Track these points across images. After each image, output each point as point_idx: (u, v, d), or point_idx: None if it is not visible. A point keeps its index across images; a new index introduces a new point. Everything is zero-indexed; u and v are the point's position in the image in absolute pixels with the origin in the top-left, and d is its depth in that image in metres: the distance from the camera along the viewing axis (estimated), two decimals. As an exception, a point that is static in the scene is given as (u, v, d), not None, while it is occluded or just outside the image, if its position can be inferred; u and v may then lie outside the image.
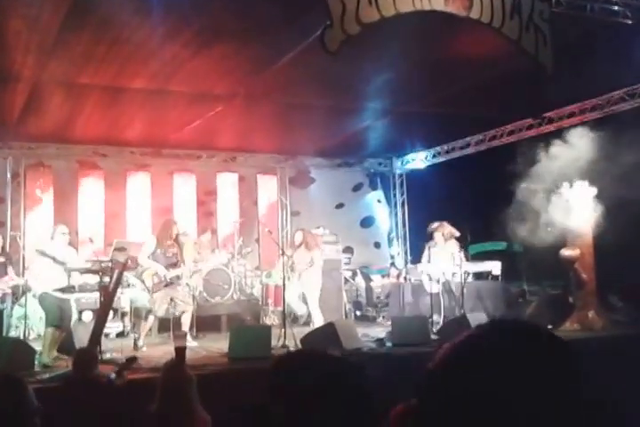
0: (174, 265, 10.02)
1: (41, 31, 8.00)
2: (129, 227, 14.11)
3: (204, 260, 11.75)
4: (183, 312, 10.03)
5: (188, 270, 10.50)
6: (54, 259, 8.87)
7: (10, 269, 10.61)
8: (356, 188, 16.67)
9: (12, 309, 10.48)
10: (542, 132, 12.67)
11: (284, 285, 10.08)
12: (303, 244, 11.00)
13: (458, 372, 1.17)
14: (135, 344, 9.67)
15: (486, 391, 1.12)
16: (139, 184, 14.41)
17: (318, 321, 10.44)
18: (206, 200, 15.05)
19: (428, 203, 13.96)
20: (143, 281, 10.31)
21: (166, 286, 9.91)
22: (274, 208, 15.85)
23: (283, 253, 10.38)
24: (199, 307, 11.37)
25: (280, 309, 10.87)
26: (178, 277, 10.00)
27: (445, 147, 15.33)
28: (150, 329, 11.27)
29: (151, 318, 9.99)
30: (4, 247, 10.87)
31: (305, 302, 10.92)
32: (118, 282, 9.06)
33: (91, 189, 13.95)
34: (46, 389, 6.49)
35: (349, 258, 14.72)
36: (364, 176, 16.83)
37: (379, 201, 16.90)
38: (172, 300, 9.92)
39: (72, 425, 5.57)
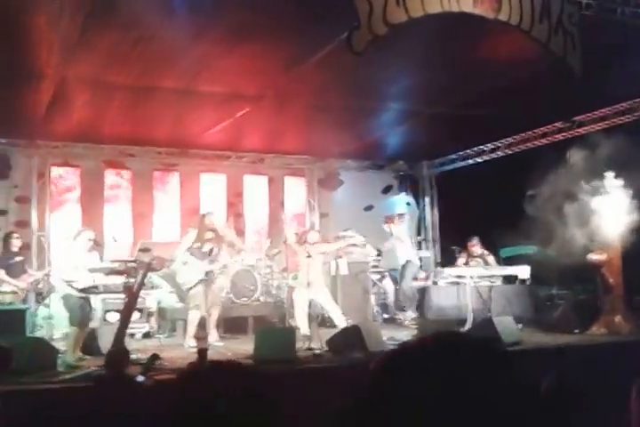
0: (210, 261, 10.01)
1: (64, 28, 7.96)
2: (156, 227, 14.09)
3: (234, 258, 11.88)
4: (217, 305, 10.09)
5: (224, 266, 10.51)
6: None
7: (27, 268, 10.93)
8: (386, 190, 16.62)
9: (36, 309, 10.63)
10: (573, 135, 12.55)
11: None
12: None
13: (388, 374, 1.20)
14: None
15: (409, 396, 1.14)
16: (166, 184, 14.40)
17: (340, 321, 10.26)
18: (235, 202, 15.02)
19: (458, 206, 13.87)
20: (176, 279, 10.38)
21: (200, 282, 9.83)
22: (302, 210, 15.83)
23: (309, 256, 10.17)
24: (225, 308, 11.30)
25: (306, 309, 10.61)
26: (213, 274, 10.01)
27: (476, 149, 15.27)
28: (175, 329, 11.54)
29: (194, 313, 9.80)
30: (22, 247, 11.17)
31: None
32: (142, 282, 8.96)
33: (117, 189, 13.85)
34: (78, 389, 6.56)
35: (377, 261, 14.45)
36: (393, 178, 16.76)
37: (408, 204, 16.65)
38: (205, 295, 9.82)
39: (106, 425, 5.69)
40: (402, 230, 13.25)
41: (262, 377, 1.74)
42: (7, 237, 11.24)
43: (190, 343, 9.47)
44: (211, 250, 10.10)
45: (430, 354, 1.19)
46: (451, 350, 1.20)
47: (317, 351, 8.84)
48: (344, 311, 10.70)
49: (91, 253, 9.18)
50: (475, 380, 1.15)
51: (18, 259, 10.89)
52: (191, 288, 9.96)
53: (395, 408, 1.16)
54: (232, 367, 1.77)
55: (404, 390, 1.16)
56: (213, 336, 10.12)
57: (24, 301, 10.41)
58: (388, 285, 14.01)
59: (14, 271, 10.69)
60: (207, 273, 9.94)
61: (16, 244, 11.05)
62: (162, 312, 11.93)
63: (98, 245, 10.63)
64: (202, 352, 7.47)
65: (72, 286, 8.76)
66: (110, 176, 13.92)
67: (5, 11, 7.45)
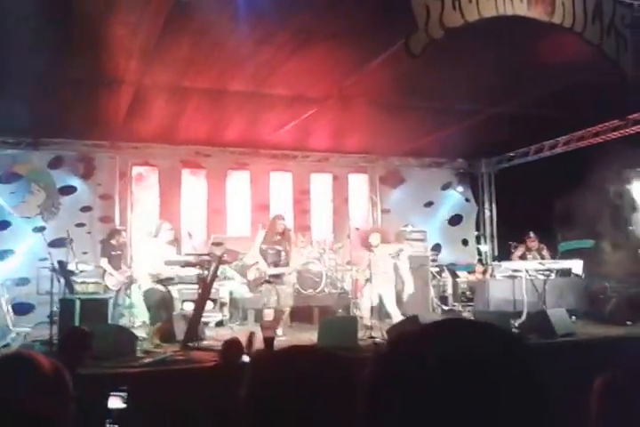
0: (276, 263, 9.95)
1: (142, 37, 8.09)
2: (229, 223, 14.18)
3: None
4: (284, 309, 10.01)
5: (292, 269, 10.42)
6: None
7: (122, 264, 11.23)
8: (445, 187, 16.40)
9: (117, 298, 10.78)
10: (628, 133, 12.30)
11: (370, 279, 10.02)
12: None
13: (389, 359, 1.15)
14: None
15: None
16: (238, 182, 14.47)
17: (395, 317, 10.23)
18: (301, 199, 15.03)
19: (516, 202, 13.58)
20: (245, 275, 10.56)
21: (264, 283, 9.83)
22: (365, 206, 15.67)
23: (369, 249, 10.32)
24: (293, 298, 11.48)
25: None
26: (278, 277, 9.88)
27: (533, 148, 15.02)
28: (247, 318, 11.66)
29: (267, 311, 9.85)
30: (121, 244, 11.44)
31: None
32: (215, 274, 9.21)
33: (194, 187, 14.03)
34: (156, 372, 6.73)
35: (437, 255, 14.70)
36: (452, 175, 16.51)
37: (467, 200, 16.58)
38: (276, 294, 9.78)
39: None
40: None
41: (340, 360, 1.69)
42: (113, 233, 11.48)
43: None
44: (278, 252, 10.01)
45: (430, 338, 1.13)
46: (451, 334, 1.14)
47: (378, 340, 8.78)
48: (405, 302, 10.81)
49: (171, 246, 9.46)
50: (477, 366, 1.07)
51: (117, 252, 11.16)
52: (255, 286, 10.19)
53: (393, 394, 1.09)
54: (307, 351, 1.74)
55: (402, 376, 1.09)
56: (278, 331, 10.12)
57: (104, 291, 10.62)
58: (447, 277, 14.08)
59: (114, 263, 11.01)
60: (273, 275, 9.85)
61: (119, 240, 11.29)
62: (234, 302, 12.01)
63: (175, 240, 10.80)
64: (267, 340, 7.55)
65: (158, 278, 9.03)
66: (187, 175, 14.04)
67: (88, 21, 7.56)
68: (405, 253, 11.42)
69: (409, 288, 10.87)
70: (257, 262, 10.08)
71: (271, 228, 10.15)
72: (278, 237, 10.05)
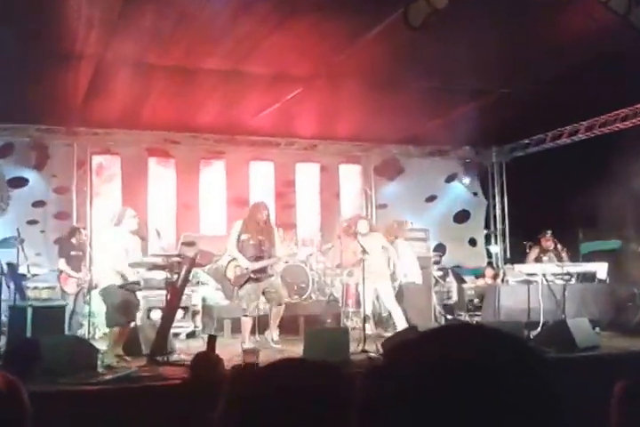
0: (259, 256, 9.85)
1: (103, 4, 7.99)
2: (202, 220, 14.13)
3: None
4: (279, 305, 9.93)
5: (278, 260, 10.49)
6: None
7: (82, 265, 11.11)
8: (450, 178, 16.37)
9: (75, 305, 10.59)
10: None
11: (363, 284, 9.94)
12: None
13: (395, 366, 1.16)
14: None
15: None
16: (213, 173, 14.43)
17: (400, 322, 10.35)
18: (285, 192, 14.97)
19: (530, 196, 13.58)
20: (225, 274, 10.30)
21: (248, 281, 9.75)
22: (357, 201, 15.65)
23: (363, 251, 9.98)
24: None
25: (359, 310, 10.88)
26: (263, 271, 9.84)
27: (550, 134, 14.96)
28: (222, 329, 11.46)
29: (245, 319, 9.79)
30: (82, 244, 11.29)
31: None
32: (186, 279, 9.20)
33: (161, 179, 13.98)
34: (118, 391, 6.70)
35: (440, 256, 14.62)
36: (458, 166, 16.38)
37: (475, 194, 16.54)
38: (263, 293, 9.82)
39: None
40: None
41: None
42: (74, 231, 11.36)
43: (245, 346, 9.41)
44: (260, 243, 9.88)
45: (431, 346, 1.14)
46: (455, 341, 1.14)
47: (372, 355, 8.71)
48: (404, 309, 10.75)
49: (133, 237, 9.23)
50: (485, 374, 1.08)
51: (77, 253, 11.06)
52: (237, 287, 9.96)
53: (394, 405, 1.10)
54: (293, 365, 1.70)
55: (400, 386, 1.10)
56: (271, 336, 10.08)
57: (61, 297, 10.54)
58: (451, 282, 14.04)
59: (73, 265, 10.88)
60: (258, 271, 9.80)
61: (79, 238, 11.18)
62: (207, 310, 11.97)
63: (141, 239, 10.46)
64: (249, 367, 7.35)
65: (123, 280, 8.84)
66: (153, 165, 13.99)
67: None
68: (404, 243, 11.62)
69: (414, 278, 11.17)
70: (234, 259, 9.92)
71: (252, 215, 10.04)
72: (259, 227, 9.96)
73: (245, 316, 9.77)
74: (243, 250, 9.91)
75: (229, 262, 10.14)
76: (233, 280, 9.90)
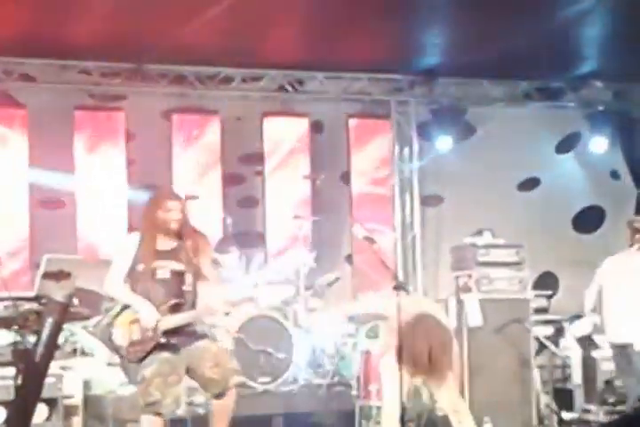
0: (177, 303, 8.72)
1: None
2: (81, 227, 13.77)
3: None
4: (222, 395, 8.68)
5: (213, 311, 9.43)
6: None
7: None
8: (565, 145, 15.62)
9: None
10: None
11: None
12: None
13: None
14: None
15: None
16: (100, 135, 14.24)
17: None
18: (242, 173, 14.79)
19: None
20: (110, 337, 8.91)
21: (155, 350, 8.54)
22: (386, 188, 15.29)
23: (398, 288, 8.71)
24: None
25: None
26: (187, 331, 8.79)
27: None
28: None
29: (151, 420, 8.62)
30: None
31: None
32: (53, 344, 8.46)
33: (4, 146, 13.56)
34: None
35: (549, 298, 14.05)
36: (580, 119, 15.67)
37: (614, 175, 15.79)
38: (188, 372, 8.67)
39: None
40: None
41: None
42: None
43: None
44: (177, 274, 8.70)
45: None
46: None
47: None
48: (479, 408, 10.31)
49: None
50: None
51: None
52: (133, 361, 8.60)
53: None
54: None
55: None
56: None
57: None
58: (571, 349, 13.46)
59: None
60: (177, 331, 8.56)
61: None
62: (93, 406, 11.33)
63: None
64: None
65: None
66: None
67: None
68: (474, 295, 11.45)
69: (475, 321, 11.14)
70: (126, 308, 8.74)
71: (150, 221, 8.87)
72: (172, 244, 8.83)
73: (152, 414, 8.54)
74: (144, 291, 8.72)
75: (118, 315, 8.84)
76: (127, 350, 8.72)
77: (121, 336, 8.79)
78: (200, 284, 8.96)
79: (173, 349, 8.64)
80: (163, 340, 8.54)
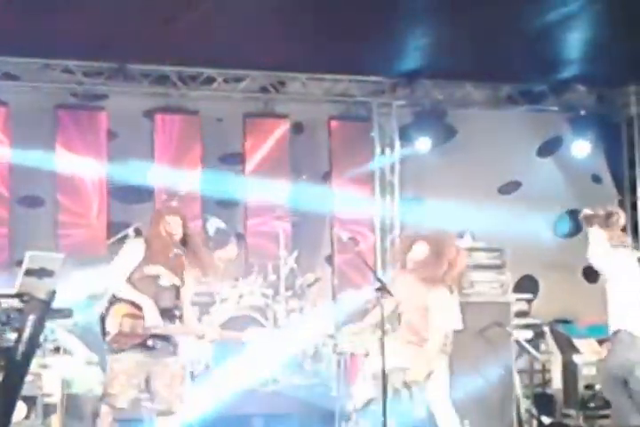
0: (172, 314, 9.27)
1: None
2: (63, 225, 13.89)
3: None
4: (163, 413, 9.13)
5: (200, 334, 9.85)
6: None
7: None
8: (546, 148, 15.76)
9: None
10: None
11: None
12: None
13: None
14: None
15: None
16: (82, 134, 14.39)
17: None
18: (222, 173, 14.86)
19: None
20: (104, 325, 9.45)
21: (138, 347, 9.02)
22: (367, 190, 15.37)
23: (381, 289, 9.17)
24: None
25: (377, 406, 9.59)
26: (168, 341, 9.13)
27: None
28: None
29: (105, 409, 9.11)
30: None
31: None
32: (35, 342, 8.28)
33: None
34: None
35: (529, 302, 14.08)
36: (562, 122, 15.74)
37: (595, 179, 15.92)
38: (146, 380, 9.01)
39: None
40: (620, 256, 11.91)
41: None
42: None
43: None
44: (176, 287, 9.32)
45: None
46: None
47: None
48: (459, 411, 9.96)
49: None
50: None
51: None
52: (115, 353, 9.19)
53: None
54: None
55: None
56: None
57: None
58: (551, 353, 13.71)
59: None
60: (162, 337, 9.10)
61: None
62: (72, 404, 11.19)
63: None
64: None
65: None
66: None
67: None
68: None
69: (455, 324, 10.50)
70: (119, 301, 9.24)
71: (155, 231, 9.33)
72: (173, 257, 9.23)
73: (108, 406, 9.09)
74: (142, 292, 9.23)
75: (112, 305, 9.32)
76: (113, 337, 9.09)
77: (111, 324, 9.23)
78: (187, 300, 9.68)
79: (149, 354, 9.10)
80: (149, 342, 9.05)
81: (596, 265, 10.82)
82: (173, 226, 9.40)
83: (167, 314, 9.16)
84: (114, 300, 9.35)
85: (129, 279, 9.22)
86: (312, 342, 12.75)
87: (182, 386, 9.45)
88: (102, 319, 9.40)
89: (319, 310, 12.95)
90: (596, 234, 10.70)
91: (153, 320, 9.08)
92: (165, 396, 9.04)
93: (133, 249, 9.45)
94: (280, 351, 12.25)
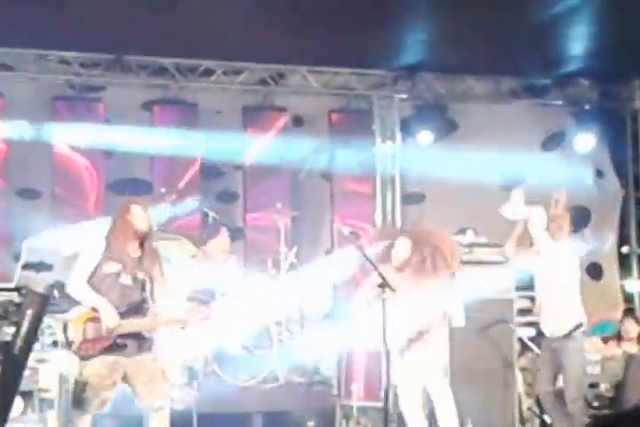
0: (136, 309, 9.01)
1: None
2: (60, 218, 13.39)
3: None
4: (157, 409, 8.92)
5: (166, 321, 9.50)
6: None
7: None
8: (550, 143, 15.77)
9: None
10: None
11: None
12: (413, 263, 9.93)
13: None
14: None
15: None
16: (79, 126, 14.21)
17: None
18: (221, 167, 14.96)
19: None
20: (66, 335, 9.22)
21: (108, 350, 8.85)
22: (367, 185, 15.43)
23: (383, 285, 9.03)
24: (202, 397, 10.75)
25: (377, 404, 11.10)
26: (139, 337, 8.96)
27: None
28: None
29: (81, 418, 9.02)
30: None
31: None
32: (33, 336, 8.42)
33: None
34: None
35: (532, 299, 13.15)
36: (566, 116, 15.78)
37: (599, 174, 15.88)
38: (124, 378, 8.91)
39: None
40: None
41: None
42: None
43: None
44: (140, 282, 9.14)
45: None
46: None
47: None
48: (461, 410, 10.10)
49: None
50: None
51: None
52: (84, 359, 9.07)
53: None
54: None
55: None
56: None
57: None
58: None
59: None
60: (131, 335, 9.04)
61: None
62: (68, 399, 10.11)
63: None
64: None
65: None
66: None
67: None
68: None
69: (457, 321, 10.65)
70: (85, 305, 8.98)
71: (117, 226, 9.20)
72: (137, 251, 9.20)
73: (80, 410, 9.03)
74: (105, 293, 9.05)
75: (73, 310, 9.20)
76: (78, 346, 8.93)
77: (74, 332, 9.06)
78: (159, 293, 9.37)
79: (120, 353, 8.99)
80: (119, 341, 8.95)
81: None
82: (139, 217, 9.39)
83: (136, 309, 9.14)
84: (75, 304, 9.32)
85: (90, 280, 9.09)
86: (313, 339, 12.57)
87: (165, 381, 9.29)
88: (64, 329, 9.30)
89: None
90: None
91: (110, 321, 8.93)
92: (146, 394, 8.96)
93: (91, 249, 9.39)
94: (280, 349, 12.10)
